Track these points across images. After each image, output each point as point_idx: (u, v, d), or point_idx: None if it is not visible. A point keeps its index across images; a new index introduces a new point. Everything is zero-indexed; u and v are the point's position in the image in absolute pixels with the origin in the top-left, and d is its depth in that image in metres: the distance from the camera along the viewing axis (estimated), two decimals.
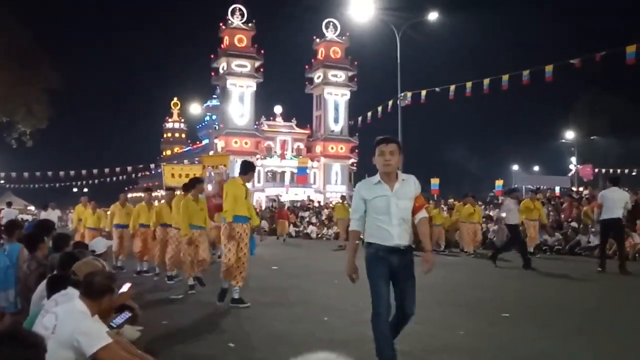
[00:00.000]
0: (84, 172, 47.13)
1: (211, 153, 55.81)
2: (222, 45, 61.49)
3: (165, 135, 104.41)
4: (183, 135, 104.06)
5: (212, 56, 62.86)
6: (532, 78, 22.28)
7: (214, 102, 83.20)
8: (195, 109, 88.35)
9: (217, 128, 65.64)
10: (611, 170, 42.51)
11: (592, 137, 49.51)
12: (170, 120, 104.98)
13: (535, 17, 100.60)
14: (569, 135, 50.05)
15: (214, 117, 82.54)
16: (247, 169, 7.28)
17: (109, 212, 12.17)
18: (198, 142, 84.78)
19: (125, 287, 5.30)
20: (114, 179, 52.21)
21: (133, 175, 54.29)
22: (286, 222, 24.07)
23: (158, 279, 9.82)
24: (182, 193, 9.08)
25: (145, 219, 10.58)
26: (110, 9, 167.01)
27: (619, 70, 29.21)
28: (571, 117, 51.19)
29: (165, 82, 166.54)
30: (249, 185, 7.32)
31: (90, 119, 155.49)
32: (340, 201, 20.56)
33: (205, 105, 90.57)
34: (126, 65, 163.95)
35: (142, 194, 11.90)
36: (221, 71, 61.88)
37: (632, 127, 44.87)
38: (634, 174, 42.18)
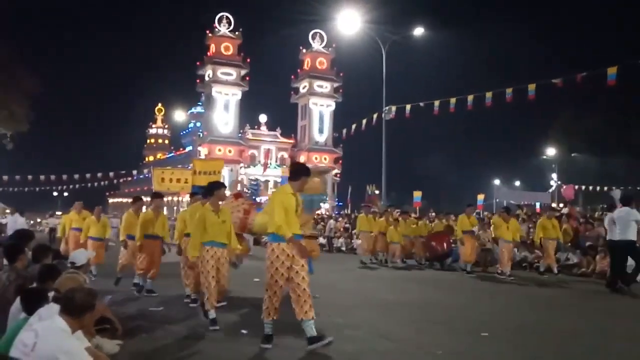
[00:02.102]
0: (64, 176, 46.69)
1: None
2: (208, 53, 61.47)
3: (148, 141, 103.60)
4: (166, 142, 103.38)
5: (197, 63, 62.79)
6: (515, 96, 22.65)
7: (199, 109, 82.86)
8: (179, 115, 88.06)
9: (201, 135, 65.44)
10: (590, 188, 43.19)
11: (572, 155, 50.25)
12: (153, 126, 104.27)
13: (521, 36, 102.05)
14: (550, 152, 50.73)
15: (198, 124, 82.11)
16: (299, 173, 5.77)
17: (122, 222, 10.54)
18: (181, 149, 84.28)
19: (106, 299, 5.26)
20: (95, 184, 51.76)
21: (115, 181, 53.85)
22: None
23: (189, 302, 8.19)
24: (202, 201, 7.76)
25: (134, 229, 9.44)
26: (96, 13, 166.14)
27: (599, 91, 29.62)
28: (552, 134, 51.88)
29: (150, 87, 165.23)
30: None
31: (73, 123, 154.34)
32: (363, 213, 18.06)
33: (189, 112, 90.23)
34: (111, 69, 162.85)
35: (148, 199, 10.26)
36: (207, 78, 61.82)
37: (609, 147, 45.78)
38: (612, 190, 42.76)
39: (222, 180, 9.72)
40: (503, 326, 6.90)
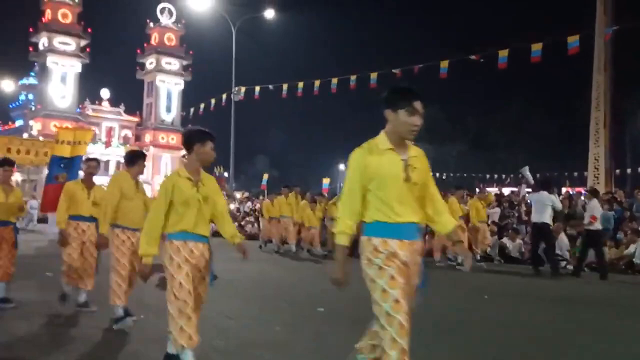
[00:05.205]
0: None
1: (25, 135, 51.06)
2: (43, 19, 56.31)
3: None
4: None
5: (30, 29, 57.26)
6: (358, 83, 23.67)
7: (32, 80, 75.75)
8: (8, 85, 79.54)
9: (33, 109, 60.01)
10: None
11: None
12: None
13: (371, 24, 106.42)
14: None
15: (30, 96, 75.10)
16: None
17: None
18: (11, 123, 76.54)
19: None
20: None
21: None
22: None
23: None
24: (127, 170, 5.64)
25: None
26: None
27: (434, 82, 31.95)
28: None
29: None
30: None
31: None
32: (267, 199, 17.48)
33: (20, 82, 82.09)
34: None
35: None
36: (41, 47, 56.69)
37: (444, 136, 50.17)
38: (444, 178, 46.74)
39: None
40: (339, 301, 7.20)
